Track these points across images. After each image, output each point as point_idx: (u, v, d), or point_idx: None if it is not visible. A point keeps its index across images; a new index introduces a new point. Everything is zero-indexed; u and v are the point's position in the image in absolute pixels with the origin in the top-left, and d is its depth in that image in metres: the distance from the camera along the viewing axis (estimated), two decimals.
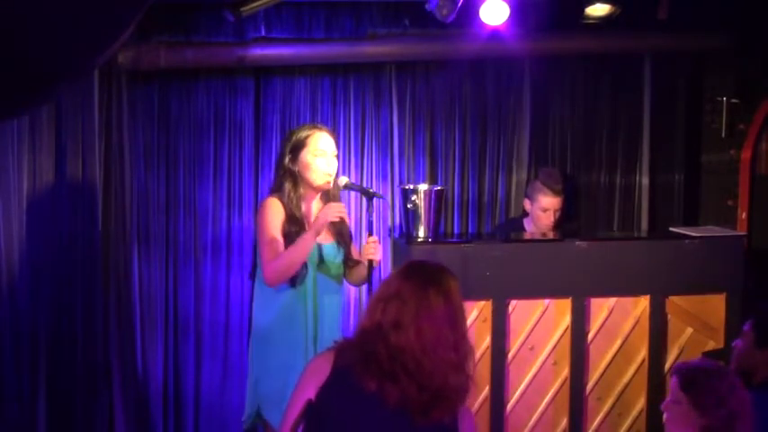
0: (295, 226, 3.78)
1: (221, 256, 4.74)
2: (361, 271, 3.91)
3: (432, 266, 2.53)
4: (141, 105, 4.62)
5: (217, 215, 4.74)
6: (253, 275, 3.97)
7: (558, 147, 5.14)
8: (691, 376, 2.74)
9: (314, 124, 4.01)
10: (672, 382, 2.80)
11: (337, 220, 3.74)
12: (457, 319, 2.45)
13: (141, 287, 4.64)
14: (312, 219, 3.87)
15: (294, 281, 3.78)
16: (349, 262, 3.95)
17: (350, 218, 4.15)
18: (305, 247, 3.70)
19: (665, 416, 2.81)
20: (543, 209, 4.60)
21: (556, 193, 4.60)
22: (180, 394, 4.73)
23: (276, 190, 3.87)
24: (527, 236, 4.63)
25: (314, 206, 3.91)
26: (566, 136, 5.14)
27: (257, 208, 4.15)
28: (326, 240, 3.88)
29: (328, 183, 3.85)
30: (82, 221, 4.43)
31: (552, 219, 4.61)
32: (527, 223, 4.73)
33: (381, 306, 2.44)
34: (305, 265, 3.78)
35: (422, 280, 2.45)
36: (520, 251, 4.06)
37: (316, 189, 3.87)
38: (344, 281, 4.01)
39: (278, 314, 3.82)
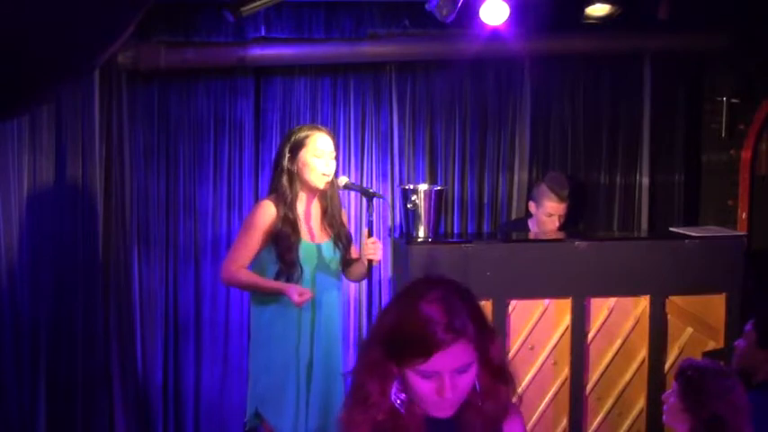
0: (287, 226, 3.78)
1: (221, 257, 4.72)
2: (360, 269, 3.92)
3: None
4: (141, 105, 4.63)
5: (217, 215, 4.74)
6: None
7: (558, 147, 5.13)
8: (687, 374, 2.78)
9: (314, 125, 4.01)
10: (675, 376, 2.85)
11: (300, 305, 3.71)
12: None
13: (141, 287, 4.65)
14: (311, 220, 3.88)
15: (288, 281, 3.78)
16: (348, 262, 3.95)
17: (350, 218, 4.15)
18: (263, 289, 3.78)
19: (664, 407, 2.85)
20: (548, 214, 4.60)
21: (561, 199, 4.60)
22: (180, 394, 4.74)
23: (274, 190, 3.87)
24: (527, 236, 4.62)
25: (313, 207, 3.90)
26: (566, 136, 5.13)
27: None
28: (322, 239, 3.88)
29: (326, 183, 3.85)
30: (82, 222, 4.44)
31: (557, 224, 4.61)
32: (531, 224, 4.73)
33: None
34: (299, 266, 3.78)
35: None
36: (520, 251, 4.07)
37: (313, 190, 3.86)
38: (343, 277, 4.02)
39: (273, 314, 3.82)
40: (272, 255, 3.80)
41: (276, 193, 3.84)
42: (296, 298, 3.64)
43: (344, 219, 4.03)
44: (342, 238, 3.92)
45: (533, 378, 4.00)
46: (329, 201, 3.91)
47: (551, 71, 5.04)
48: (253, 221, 3.83)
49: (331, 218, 3.91)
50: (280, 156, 3.89)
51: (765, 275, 4.58)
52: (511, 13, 4.25)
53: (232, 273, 3.79)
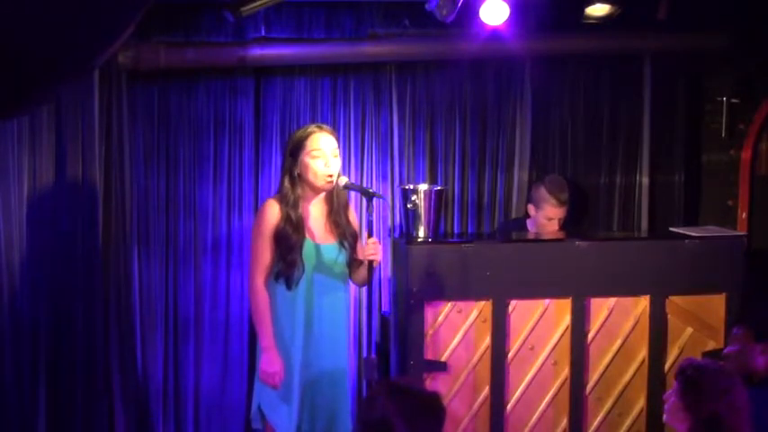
0: (290, 225, 3.79)
1: (221, 257, 4.74)
2: (363, 272, 3.91)
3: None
4: (141, 105, 4.62)
5: (217, 215, 4.74)
6: None
7: (557, 147, 5.13)
8: (687, 373, 2.79)
9: (315, 125, 4.00)
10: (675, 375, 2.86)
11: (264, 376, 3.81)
12: None
13: (141, 287, 4.64)
14: (311, 220, 3.87)
15: (289, 283, 3.79)
16: (354, 263, 3.94)
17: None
18: (258, 330, 3.85)
19: (665, 406, 2.85)
20: (548, 218, 4.60)
21: (561, 202, 4.60)
22: (180, 394, 4.73)
23: (279, 191, 3.90)
24: (527, 236, 4.62)
25: (314, 208, 3.90)
26: (566, 136, 5.13)
27: (258, 208, 4.16)
28: (327, 241, 3.88)
29: (329, 183, 3.84)
30: (82, 222, 4.43)
31: (557, 227, 4.62)
32: (530, 224, 4.73)
33: None
34: (301, 267, 3.78)
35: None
36: (520, 251, 4.07)
37: (317, 190, 3.86)
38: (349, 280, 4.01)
39: (274, 315, 3.82)
40: (274, 253, 3.81)
41: (281, 194, 3.87)
42: (263, 366, 3.77)
43: (352, 216, 4.03)
44: (348, 237, 3.91)
45: (533, 378, 4.00)
46: (335, 199, 3.92)
47: (551, 71, 5.04)
48: (260, 225, 3.85)
49: (336, 215, 3.91)
50: (283, 158, 3.94)
51: (765, 275, 4.58)
52: (511, 13, 4.26)
53: (257, 290, 3.83)
